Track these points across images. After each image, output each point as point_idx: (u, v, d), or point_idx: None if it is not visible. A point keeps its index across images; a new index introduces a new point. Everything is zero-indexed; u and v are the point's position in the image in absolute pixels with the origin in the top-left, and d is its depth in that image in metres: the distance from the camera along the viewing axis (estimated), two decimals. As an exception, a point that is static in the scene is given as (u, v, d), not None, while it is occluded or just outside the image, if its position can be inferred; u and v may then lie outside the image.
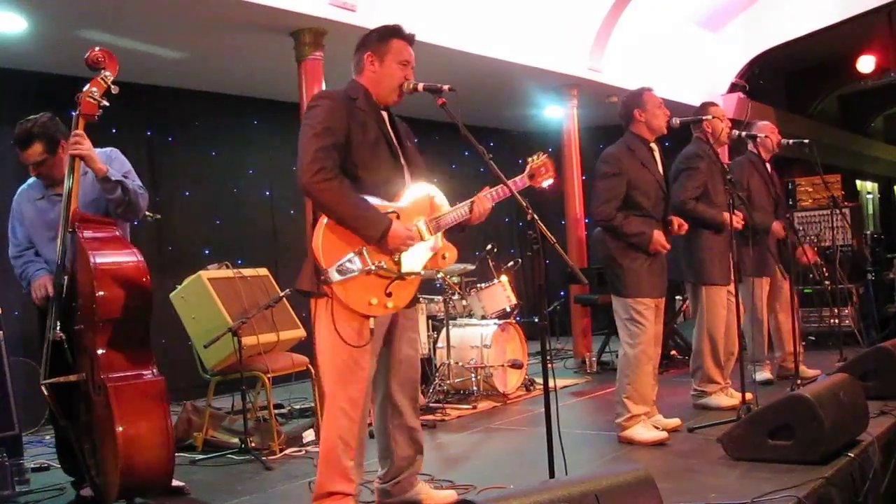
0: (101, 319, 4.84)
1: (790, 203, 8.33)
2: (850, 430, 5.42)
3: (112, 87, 5.07)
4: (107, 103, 5.06)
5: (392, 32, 4.60)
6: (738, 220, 6.74)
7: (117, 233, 5.17)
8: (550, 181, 4.95)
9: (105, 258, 4.94)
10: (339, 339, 4.35)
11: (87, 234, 5.03)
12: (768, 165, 8.15)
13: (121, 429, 4.68)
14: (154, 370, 5.01)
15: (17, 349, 6.59)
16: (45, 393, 4.97)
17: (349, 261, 4.31)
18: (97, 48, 5.14)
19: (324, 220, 4.35)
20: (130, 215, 5.31)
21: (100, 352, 4.84)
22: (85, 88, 5.02)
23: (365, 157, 4.44)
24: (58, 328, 4.92)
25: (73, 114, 5.02)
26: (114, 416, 4.69)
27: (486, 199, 4.62)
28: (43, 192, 5.42)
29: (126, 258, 5.03)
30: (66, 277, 4.99)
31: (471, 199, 4.62)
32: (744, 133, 7.53)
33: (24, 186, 5.51)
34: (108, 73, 5.07)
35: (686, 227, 6.35)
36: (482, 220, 4.68)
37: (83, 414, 4.91)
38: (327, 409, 4.49)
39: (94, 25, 7.41)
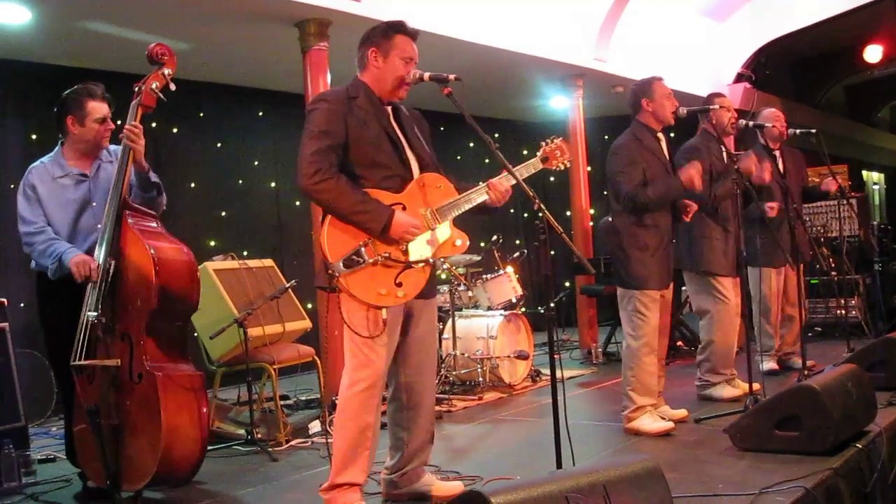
0: (152, 309, 4.90)
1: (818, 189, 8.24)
2: (857, 420, 5.40)
3: (171, 84, 5.15)
4: (164, 98, 5.15)
5: (396, 28, 4.60)
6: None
7: (161, 227, 5.24)
8: (567, 164, 4.94)
9: (163, 250, 5.01)
10: (350, 330, 4.40)
11: (139, 223, 5.09)
12: (777, 154, 8.11)
13: (165, 418, 4.76)
14: (192, 364, 5.13)
15: (22, 341, 6.59)
16: (74, 375, 4.97)
17: (355, 253, 4.34)
18: (158, 44, 5.20)
19: (329, 216, 4.39)
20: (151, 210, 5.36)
21: (144, 340, 4.91)
22: (145, 80, 5.11)
23: (367, 155, 4.47)
24: (99, 310, 4.91)
25: (132, 103, 5.09)
26: (160, 405, 4.77)
27: (501, 181, 4.60)
28: (66, 171, 5.36)
29: (182, 254, 5.14)
30: (112, 262, 4.96)
31: (484, 184, 4.63)
32: (751, 123, 7.50)
33: (38, 164, 5.41)
34: (168, 70, 5.15)
35: (695, 207, 6.31)
36: (506, 200, 4.68)
37: (106, 400, 4.90)
38: (341, 398, 4.51)
39: (98, 17, 7.40)
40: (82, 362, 4.91)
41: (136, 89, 5.12)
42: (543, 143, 4.91)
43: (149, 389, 4.82)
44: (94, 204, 5.35)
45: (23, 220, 5.28)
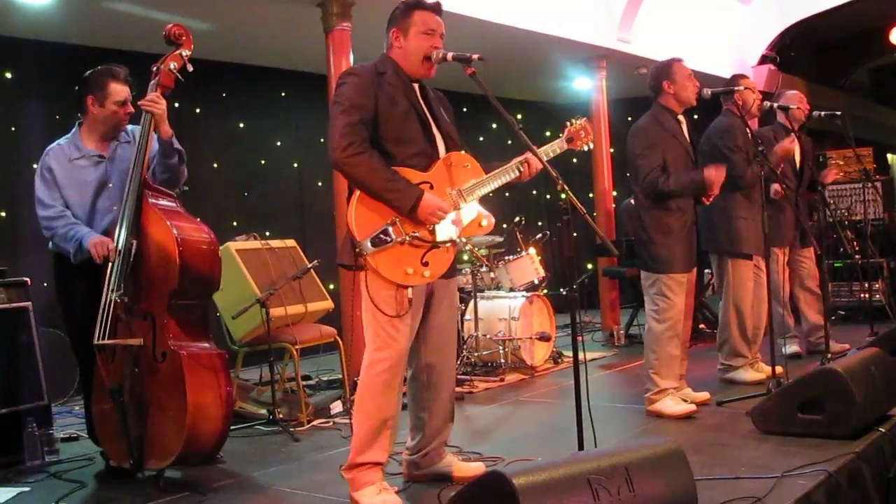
0: (174, 288, 4.92)
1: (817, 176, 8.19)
2: (881, 404, 5.38)
3: (188, 64, 5.17)
4: (182, 79, 5.17)
5: (413, 5, 4.59)
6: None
7: (181, 206, 5.26)
8: (591, 145, 4.94)
9: (185, 229, 5.03)
10: (375, 308, 4.39)
11: (159, 202, 5.11)
12: (795, 136, 8.05)
13: (191, 397, 4.79)
14: (213, 343, 5.16)
15: (45, 319, 6.61)
16: (97, 354, 4.99)
17: (383, 232, 4.33)
18: (175, 24, 5.20)
19: (357, 193, 4.38)
20: (172, 185, 5.37)
21: (167, 320, 4.93)
22: (164, 61, 5.12)
23: (396, 131, 4.45)
24: (121, 290, 4.93)
25: (151, 83, 5.12)
26: (185, 383, 4.80)
27: (535, 160, 4.58)
28: (83, 152, 5.37)
29: (203, 233, 5.15)
30: (134, 242, 4.97)
31: (518, 159, 4.63)
32: (776, 104, 7.45)
33: (54, 146, 5.40)
34: (186, 52, 5.17)
35: (716, 191, 6.27)
36: (532, 177, 4.69)
37: (129, 379, 4.92)
38: (363, 375, 4.51)
39: (121, -4, 7.42)
40: (105, 342, 4.93)
41: (155, 69, 5.13)
42: (568, 124, 4.91)
43: (173, 368, 4.84)
44: (111, 185, 5.36)
45: (41, 204, 5.29)
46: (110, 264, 4.98)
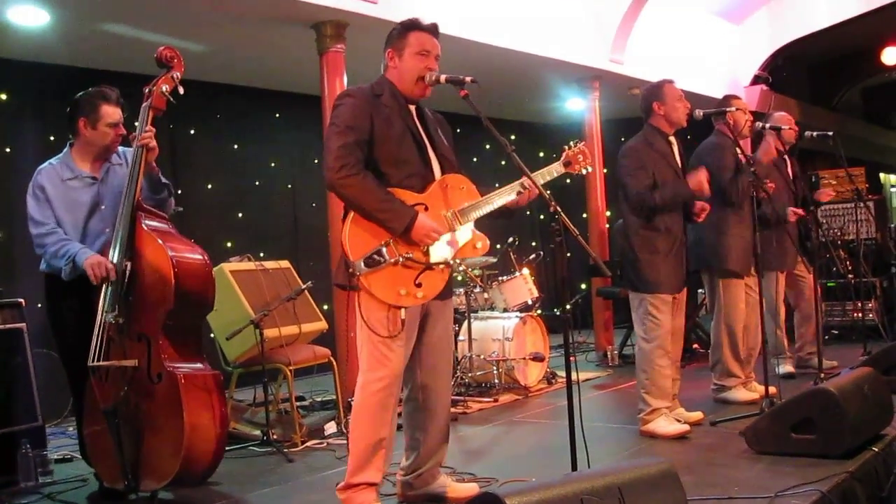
0: (169, 309, 4.93)
1: (811, 196, 8.21)
2: (873, 424, 5.40)
3: (179, 87, 5.20)
4: (174, 101, 5.20)
5: (409, 26, 4.63)
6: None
7: (173, 228, 5.28)
8: (589, 168, 4.94)
9: (179, 250, 5.04)
10: (369, 329, 4.41)
11: (152, 223, 5.13)
12: (786, 157, 8.09)
13: (187, 418, 4.80)
14: (208, 364, 5.18)
15: (39, 341, 6.61)
16: (91, 376, 5.00)
17: (377, 253, 4.35)
18: (166, 47, 5.25)
19: (352, 213, 4.41)
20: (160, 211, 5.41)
21: (162, 341, 4.94)
22: (155, 83, 5.15)
23: (391, 152, 4.48)
24: (116, 311, 4.94)
25: (143, 105, 5.13)
26: (182, 405, 4.81)
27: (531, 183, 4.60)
28: (75, 173, 5.36)
29: (196, 254, 5.17)
30: (128, 263, 4.99)
31: (518, 182, 4.63)
32: (768, 126, 7.50)
33: (46, 165, 5.39)
34: (177, 74, 5.20)
35: (708, 209, 6.30)
36: (531, 201, 4.73)
37: (124, 401, 4.91)
38: (358, 396, 4.52)
39: (116, 18, 7.43)
40: (100, 363, 4.93)
41: (147, 91, 5.15)
42: (566, 147, 4.91)
43: (170, 389, 4.85)
44: (104, 207, 5.37)
45: (33, 222, 5.27)
46: (105, 285, 4.99)
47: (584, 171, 4.93)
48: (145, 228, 5.04)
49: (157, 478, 4.88)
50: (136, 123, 5.13)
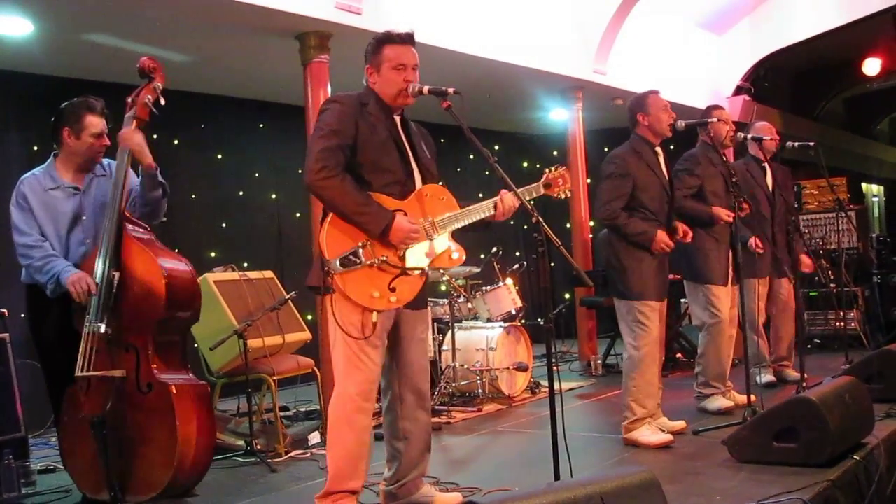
0: (158, 319, 5.00)
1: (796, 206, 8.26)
2: (855, 432, 5.42)
3: (161, 97, 5.28)
4: (156, 111, 5.28)
5: (382, 40, 4.65)
6: (727, 215, 6.74)
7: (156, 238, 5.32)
8: (568, 194, 4.99)
9: (167, 260, 5.10)
10: (342, 332, 4.42)
11: (138, 233, 5.18)
12: (767, 167, 8.12)
13: (180, 428, 4.86)
14: (193, 374, 5.25)
15: (22, 351, 6.60)
16: (78, 386, 5.02)
17: (353, 254, 4.37)
18: (148, 57, 5.32)
19: (331, 215, 4.44)
20: (152, 219, 5.43)
21: (150, 351, 4.99)
22: (138, 94, 5.24)
23: (374, 159, 4.50)
24: (105, 322, 4.95)
25: (126, 116, 5.23)
26: (175, 415, 4.87)
27: (510, 196, 4.63)
28: (58, 183, 5.36)
29: (184, 265, 5.24)
30: (116, 274, 5.01)
31: (494, 199, 4.67)
32: (749, 136, 7.53)
33: (28, 175, 5.39)
34: (159, 84, 5.26)
35: (691, 234, 6.35)
36: (508, 216, 4.72)
37: (111, 412, 4.90)
38: (335, 403, 4.52)
39: (99, 29, 7.42)
40: (89, 373, 4.93)
41: (130, 101, 5.21)
42: (547, 171, 4.95)
43: (160, 400, 4.89)
44: (85, 218, 5.37)
45: (18, 231, 5.26)
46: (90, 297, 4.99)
47: (562, 196, 4.98)
48: (133, 239, 5.07)
49: (147, 489, 4.91)
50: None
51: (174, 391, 4.88)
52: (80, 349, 4.94)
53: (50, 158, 5.47)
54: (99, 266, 5.03)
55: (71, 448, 5.19)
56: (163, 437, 4.86)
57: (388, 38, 4.63)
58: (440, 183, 4.77)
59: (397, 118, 4.70)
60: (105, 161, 5.51)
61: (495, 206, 4.66)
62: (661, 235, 6.09)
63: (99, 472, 4.90)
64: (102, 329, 4.94)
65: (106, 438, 4.81)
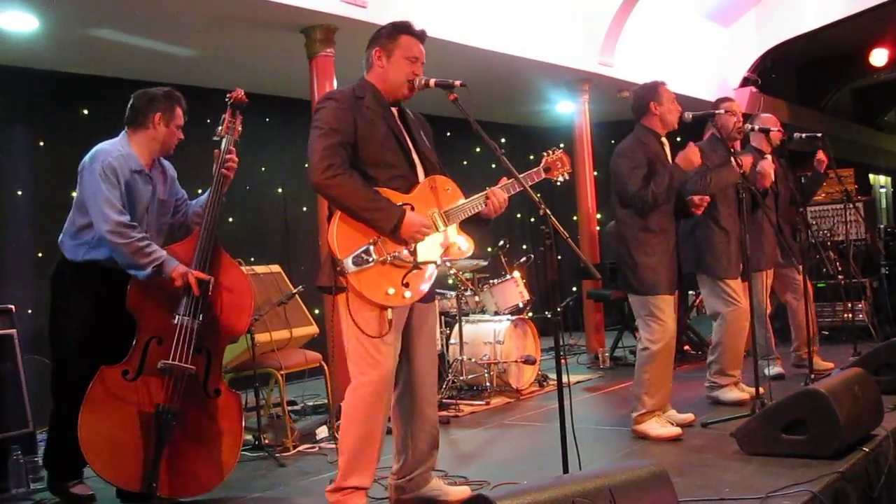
0: (239, 330, 5.39)
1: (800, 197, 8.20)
2: (864, 424, 5.41)
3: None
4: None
5: (401, 28, 4.63)
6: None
7: None
8: (567, 176, 4.97)
9: (248, 278, 5.44)
10: (357, 330, 4.40)
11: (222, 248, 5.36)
12: (769, 157, 8.08)
13: (235, 433, 5.17)
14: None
15: (29, 347, 6.59)
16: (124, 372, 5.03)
17: (364, 252, 4.36)
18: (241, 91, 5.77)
19: (338, 213, 4.41)
20: (183, 231, 5.59)
21: (219, 358, 5.24)
22: (234, 117, 5.83)
23: (375, 154, 4.49)
24: (200, 318, 5.07)
25: (227, 137, 5.75)
26: (240, 425, 5.19)
27: (500, 191, 4.63)
28: (139, 167, 5.25)
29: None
30: (211, 279, 5.13)
31: (484, 192, 4.65)
32: (757, 127, 7.51)
33: (111, 149, 5.20)
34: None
35: (708, 200, 6.32)
36: (500, 213, 4.71)
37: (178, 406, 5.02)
38: (349, 400, 4.52)
39: (105, 24, 7.42)
40: (171, 363, 4.97)
41: (229, 125, 5.71)
42: (545, 154, 4.94)
43: (227, 407, 5.16)
44: (150, 209, 5.36)
45: (112, 206, 5.01)
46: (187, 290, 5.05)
47: (561, 178, 4.96)
48: (224, 251, 5.28)
49: (196, 488, 5.09)
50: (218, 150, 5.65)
51: (234, 398, 5.21)
52: (175, 339, 4.99)
53: (123, 137, 5.33)
54: (196, 266, 5.11)
55: (93, 436, 4.93)
56: (223, 443, 5.11)
57: (408, 29, 4.63)
58: (443, 172, 4.75)
59: (394, 110, 4.68)
60: (162, 159, 5.57)
61: (485, 203, 4.65)
62: (681, 155, 6.08)
63: (135, 461, 4.91)
64: (198, 324, 5.06)
65: (170, 431, 4.92)
